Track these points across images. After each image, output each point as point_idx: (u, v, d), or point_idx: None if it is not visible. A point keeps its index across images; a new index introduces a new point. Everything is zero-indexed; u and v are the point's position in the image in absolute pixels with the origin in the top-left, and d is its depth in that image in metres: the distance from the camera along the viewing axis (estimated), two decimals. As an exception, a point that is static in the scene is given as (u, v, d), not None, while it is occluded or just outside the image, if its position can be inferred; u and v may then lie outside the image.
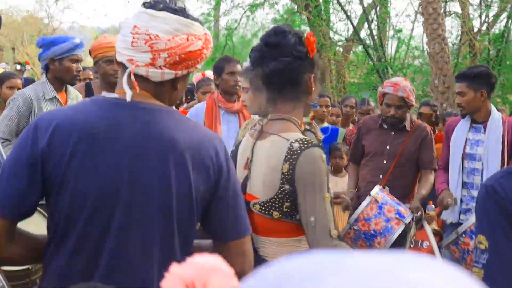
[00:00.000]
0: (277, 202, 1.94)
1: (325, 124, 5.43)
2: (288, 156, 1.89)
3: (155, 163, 1.45)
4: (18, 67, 8.97)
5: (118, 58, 1.52)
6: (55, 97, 3.56)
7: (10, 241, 1.49)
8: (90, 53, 3.92)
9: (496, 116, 3.75)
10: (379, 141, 4.03)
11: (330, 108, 5.49)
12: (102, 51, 3.80)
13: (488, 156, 3.70)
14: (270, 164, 1.93)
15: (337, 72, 14.15)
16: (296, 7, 14.43)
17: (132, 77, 1.48)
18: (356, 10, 14.73)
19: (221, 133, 3.79)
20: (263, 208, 1.96)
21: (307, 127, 2.14)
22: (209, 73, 5.74)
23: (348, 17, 13.05)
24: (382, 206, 3.30)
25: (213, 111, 3.84)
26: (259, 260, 1.93)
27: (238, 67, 3.92)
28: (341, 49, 14.98)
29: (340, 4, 13.07)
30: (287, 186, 1.90)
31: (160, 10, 1.48)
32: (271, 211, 1.95)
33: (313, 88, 2.03)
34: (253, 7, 14.48)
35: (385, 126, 4.02)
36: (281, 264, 0.50)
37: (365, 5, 13.21)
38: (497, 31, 13.23)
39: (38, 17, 30.69)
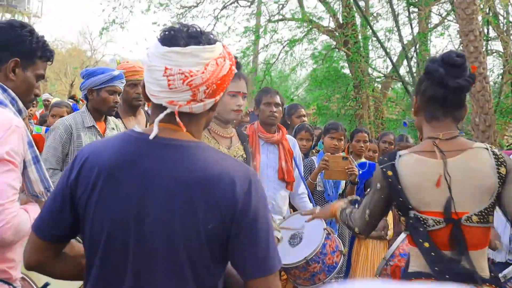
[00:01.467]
0: (492, 206, 2.10)
1: (363, 160, 5.38)
2: (500, 161, 2.11)
3: (161, 199, 1.46)
4: (70, 102, 9.14)
5: (156, 101, 1.51)
6: (93, 126, 3.65)
7: (55, 260, 1.61)
8: None
9: None
10: None
11: (368, 144, 5.46)
12: (126, 76, 3.88)
13: None
14: (483, 173, 2.09)
15: (376, 108, 14.06)
16: (335, 43, 14.50)
17: (178, 119, 1.49)
18: (395, 47, 14.72)
19: (260, 163, 3.82)
20: (482, 216, 2.09)
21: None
22: None
23: (387, 54, 13.01)
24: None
25: (253, 141, 3.87)
26: (475, 280, 2.05)
27: (276, 98, 3.97)
28: (379, 86, 14.92)
29: (379, 41, 13.07)
30: (500, 188, 2.09)
31: (186, 44, 1.47)
32: (489, 216, 2.11)
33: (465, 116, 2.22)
34: (292, 43, 14.60)
35: None
36: None
37: (405, 42, 13.18)
38: (540, 71, 12.99)
39: (82, 50, 31.68)
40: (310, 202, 4.27)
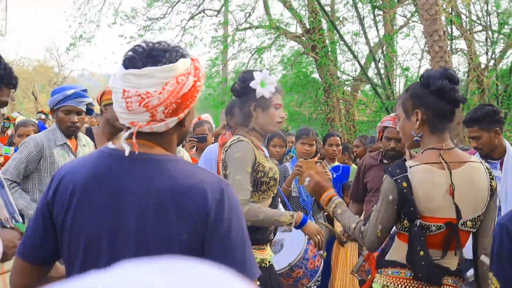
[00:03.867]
0: (483, 215, 2.33)
1: (336, 163, 5.42)
2: (491, 175, 2.35)
3: (134, 212, 1.46)
4: (43, 116, 9.02)
5: (121, 121, 1.53)
6: (65, 143, 3.61)
7: (41, 283, 1.59)
8: (101, 95, 3.93)
9: (511, 152, 3.72)
10: (380, 175, 4.04)
11: (340, 147, 5.50)
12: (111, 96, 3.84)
13: (507, 192, 3.64)
14: (481, 186, 2.30)
15: (346, 111, 14.18)
16: (303, 49, 14.59)
17: (134, 139, 1.49)
18: (362, 50, 14.84)
19: None
20: (474, 222, 2.32)
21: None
22: (205, 116, 5.95)
23: (355, 57, 13.14)
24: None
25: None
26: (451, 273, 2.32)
27: None
28: (349, 88, 15.06)
29: (346, 45, 13.18)
30: (489, 200, 2.33)
31: (143, 66, 1.46)
32: (478, 222, 2.34)
33: None
34: (260, 50, 14.65)
35: (385, 161, 4.08)
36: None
37: (372, 44, 13.33)
38: (504, 67, 13.27)
39: (49, 66, 31.18)
40: (286, 208, 4.28)
